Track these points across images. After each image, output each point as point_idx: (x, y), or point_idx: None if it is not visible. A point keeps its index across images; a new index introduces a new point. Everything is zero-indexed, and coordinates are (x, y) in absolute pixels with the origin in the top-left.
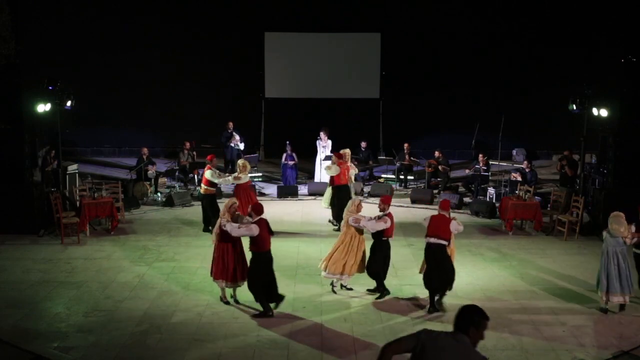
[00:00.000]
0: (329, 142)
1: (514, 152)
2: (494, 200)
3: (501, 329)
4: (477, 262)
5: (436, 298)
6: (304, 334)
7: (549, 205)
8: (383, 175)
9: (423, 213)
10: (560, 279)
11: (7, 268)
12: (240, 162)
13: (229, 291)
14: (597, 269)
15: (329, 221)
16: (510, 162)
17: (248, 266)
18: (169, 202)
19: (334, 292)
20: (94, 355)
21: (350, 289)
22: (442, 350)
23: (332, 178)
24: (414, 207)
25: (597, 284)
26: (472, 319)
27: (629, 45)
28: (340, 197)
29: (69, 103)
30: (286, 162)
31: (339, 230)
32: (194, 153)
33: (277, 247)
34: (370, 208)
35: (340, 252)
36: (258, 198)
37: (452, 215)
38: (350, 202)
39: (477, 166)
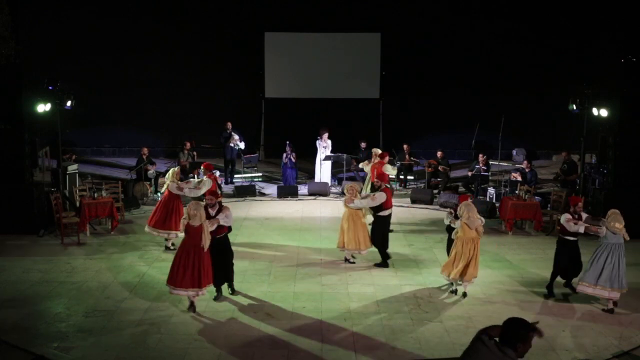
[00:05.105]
0: (329, 142)
1: (514, 152)
2: (494, 200)
3: None
4: None
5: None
6: (304, 334)
7: (549, 205)
8: None
9: (423, 213)
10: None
11: (7, 268)
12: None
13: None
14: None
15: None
16: (511, 162)
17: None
18: None
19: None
20: (94, 355)
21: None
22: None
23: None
24: (414, 207)
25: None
26: (519, 333)
27: (629, 45)
28: None
29: (69, 103)
30: (286, 162)
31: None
32: (194, 153)
33: (278, 247)
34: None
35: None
36: (258, 198)
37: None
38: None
39: (477, 166)
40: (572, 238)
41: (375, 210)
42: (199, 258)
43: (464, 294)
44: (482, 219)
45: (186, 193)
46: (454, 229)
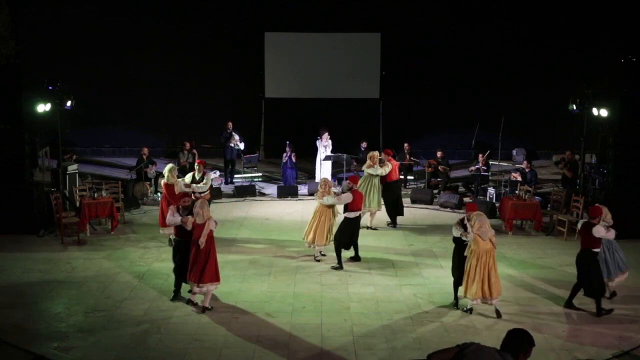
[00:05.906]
0: (329, 142)
1: (514, 152)
2: (494, 200)
3: (501, 329)
4: None
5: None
6: (304, 334)
7: (549, 205)
8: None
9: (423, 213)
10: (560, 279)
11: (7, 268)
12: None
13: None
14: None
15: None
16: (511, 162)
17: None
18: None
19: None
20: (94, 355)
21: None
22: None
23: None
24: (414, 207)
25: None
26: (524, 345)
27: (629, 45)
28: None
29: (69, 103)
30: (286, 162)
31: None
32: (195, 152)
33: (278, 248)
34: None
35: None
36: (258, 198)
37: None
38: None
39: (477, 166)
40: (598, 250)
41: (344, 210)
42: (196, 254)
43: (469, 310)
44: (493, 230)
45: (194, 189)
46: (461, 240)
